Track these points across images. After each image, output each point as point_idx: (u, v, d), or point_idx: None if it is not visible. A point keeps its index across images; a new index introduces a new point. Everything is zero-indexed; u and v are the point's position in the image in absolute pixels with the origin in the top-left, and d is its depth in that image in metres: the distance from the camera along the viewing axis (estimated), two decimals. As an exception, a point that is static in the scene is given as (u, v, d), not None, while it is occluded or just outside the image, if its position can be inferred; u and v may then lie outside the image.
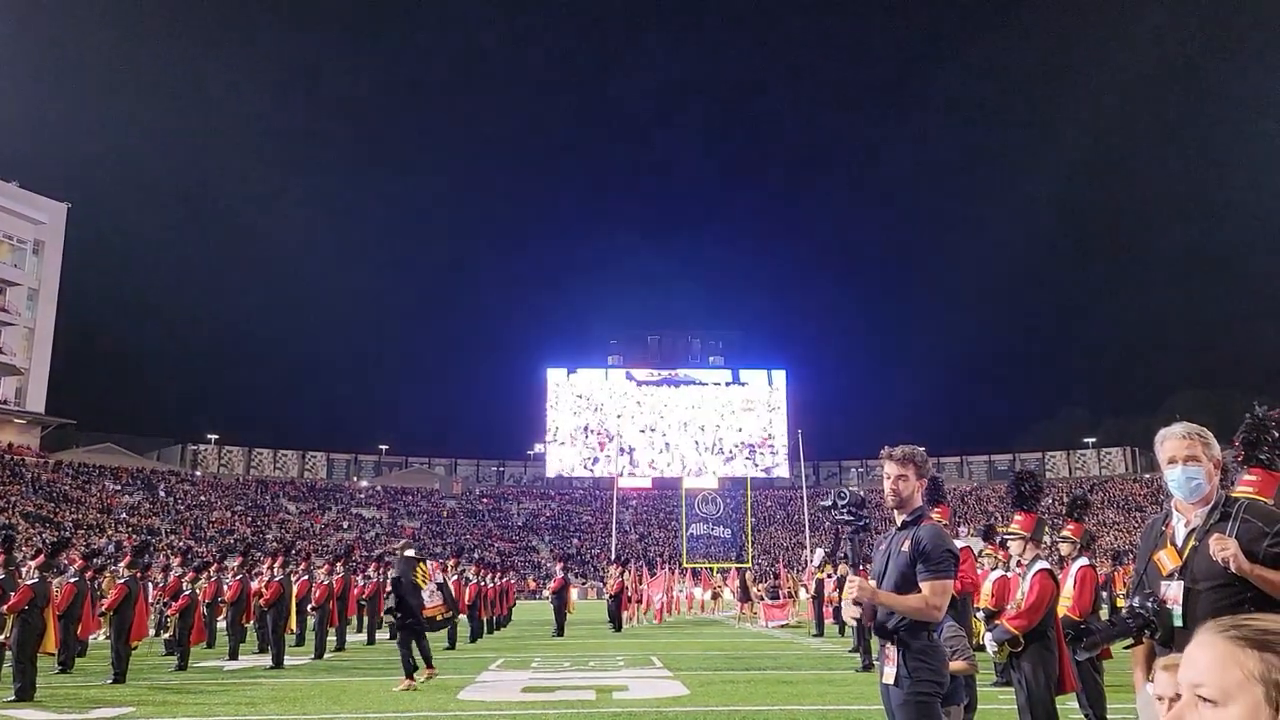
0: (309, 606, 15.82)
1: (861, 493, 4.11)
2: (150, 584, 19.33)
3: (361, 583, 20.48)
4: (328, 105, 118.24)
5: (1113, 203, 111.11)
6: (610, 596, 22.91)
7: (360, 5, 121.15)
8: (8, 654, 10.37)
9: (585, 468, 69.44)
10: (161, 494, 54.00)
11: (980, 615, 7.92)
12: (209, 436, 65.72)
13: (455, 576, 17.85)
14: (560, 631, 20.25)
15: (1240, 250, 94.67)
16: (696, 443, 69.01)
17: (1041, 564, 6.02)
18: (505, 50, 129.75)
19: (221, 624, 17.03)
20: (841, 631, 18.42)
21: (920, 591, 3.68)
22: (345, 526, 58.93)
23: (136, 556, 13.47)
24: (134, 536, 40.88)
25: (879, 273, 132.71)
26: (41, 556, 11.46)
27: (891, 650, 3.73)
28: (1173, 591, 3.00)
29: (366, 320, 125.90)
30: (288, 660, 13.90)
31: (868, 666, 11.59)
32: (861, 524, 3.98)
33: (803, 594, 26.53)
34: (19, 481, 46.48)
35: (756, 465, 68.37)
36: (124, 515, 48.92)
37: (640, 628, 23.48)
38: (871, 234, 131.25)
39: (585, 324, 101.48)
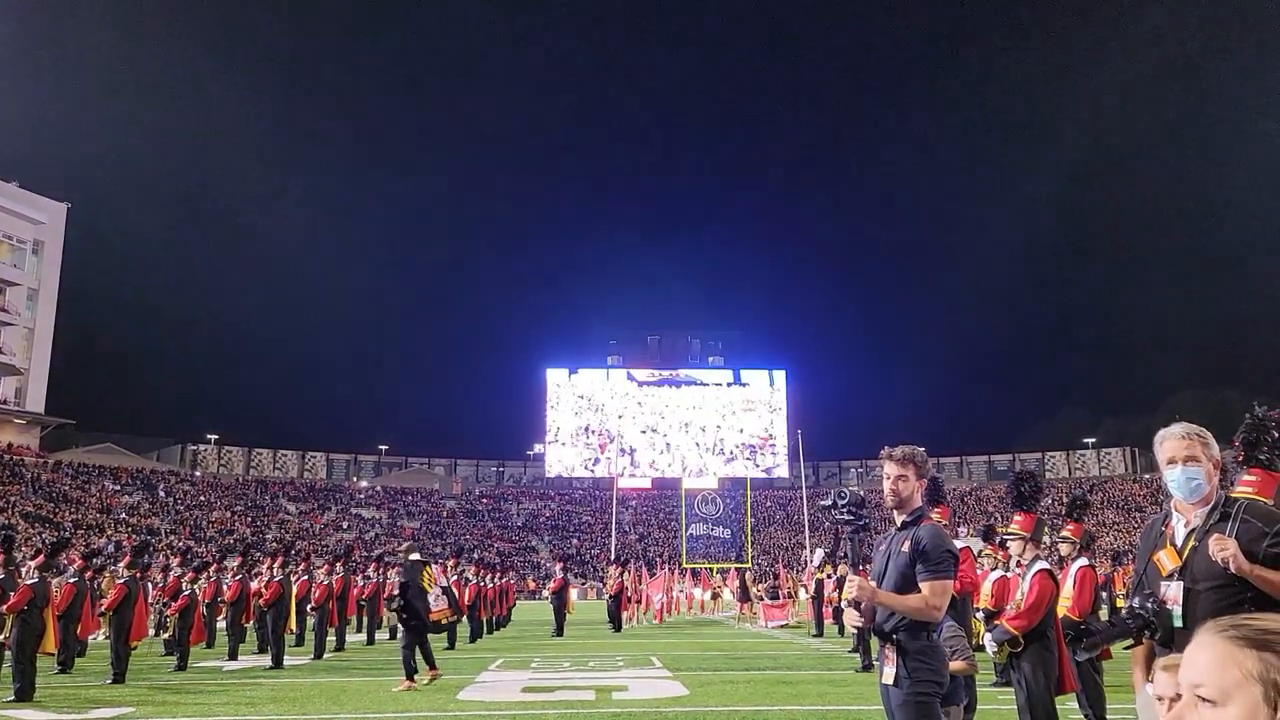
0: (309, 607, 15.81)
1: (861, 493, 4.11)
2: (150, 584, 19.32)
3: (361, 583, 20.48)
4: (328, 105, 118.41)
5: (1113, 203, 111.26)
6: (610, 597, 22.91)
7: (360, 5, 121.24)
8: (7, 654, 10.37)
9: (586, 468, 69.43)
10: (161, 494, 53.99)
11: (980, 615, 7.93)
12: (209, 436, 65.75)
13: (455, 577, 17.85)
14: (560, 632, 20.25)
15: (1240, 250, 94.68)
16: (697, 444, 68.98)
17: (1041, 564, 6.02)
18: (505, 50, 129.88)
19: (221, 624, 17.04)
20: (841, 632, 18.42)
21: (920, 592, 3.68)
22: (345, 527, 58.93)
23: (136, 557, 13.46)
24: (134, 537, 40.87)
25: (879, 273, 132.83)
26: (41, 556, 11.46)
27: (891, 651, 3.73)
28: (1172, 592, 3.00)
29: (366, 320, 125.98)
30: (287, 660, 13.90)
31: (867, 667, 11.60)
32: (861, 524, 3.98)
33: (802, 594, 26.54)
34: (19, 481, 46.48)
35: (758, 465, 68.37)
36: (124, 515, 48.91)
37: (640, 628, 23.48)
38: (871, 234, 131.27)
39: (585, 324, 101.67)
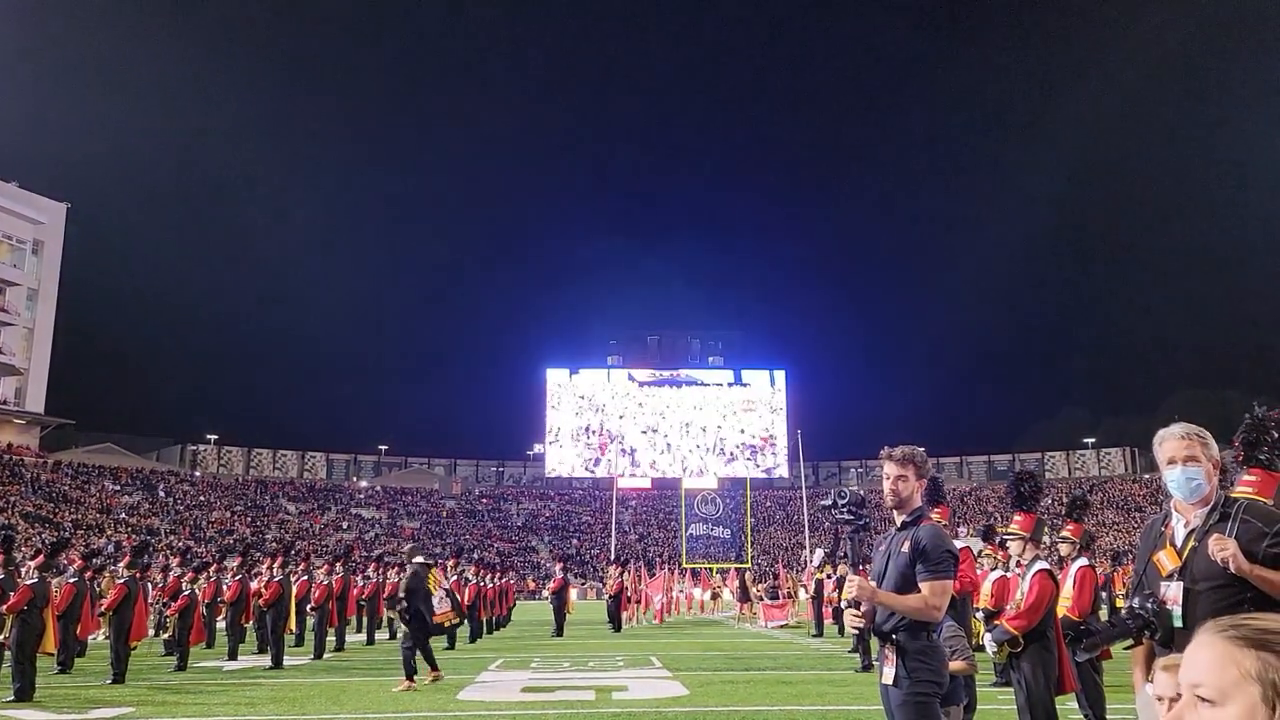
0: (308, 607, 15.81)
1: (861, 492, 4.11)
2: (150, 584, 19.32)
3: (361, 583, 20.47)
4: (328, 106, 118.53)
5: (1113, 203, 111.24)
6: (610, 597, 22.91)
7: (361, 6, 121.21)
8: (7, 654, 10.37)
9: (586, 469, 69.42)
10: (161, 494, 53.99)
11: (980, 615, 7.93)
12: (208, 436, 65.77)
13: (455, 577, 17.86)
14: (560, 632, 20.25)
15: (1240, 250, 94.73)
16: (698, 445, 68.99)
17: (1041, 564, 6.02)
18: (505, 50, 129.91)
19: (221, 624, 17.03)
20: (841, 632, 18.42)
21: (920, 592, 3.68)
22: (345, 527, 58.93)
23: (136, 557, 13.46)
24: (133, 537, 40.87)
25: (879, 273, 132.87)
26: (41, 557, 11.46)
27: (891, 651, 3.73)
28: (1172, 592, 3.00)
29: (366, 320, 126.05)
30: (287, 660, 13.90)
31: (867, 667, 11.61)
32: (861, 524, 3.98)
33: (802, 594, 26.54)
34: (18, 481, 46.48)
35: (758, 466, 68.37)
36: (123, 515, 48.91)
37: (640, 628, 23.48)
38: (871, 234, 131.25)
39: (585, 324, 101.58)
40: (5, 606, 10.05)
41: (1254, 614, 1.31)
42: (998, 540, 9.17)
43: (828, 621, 19.92)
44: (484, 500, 68.90)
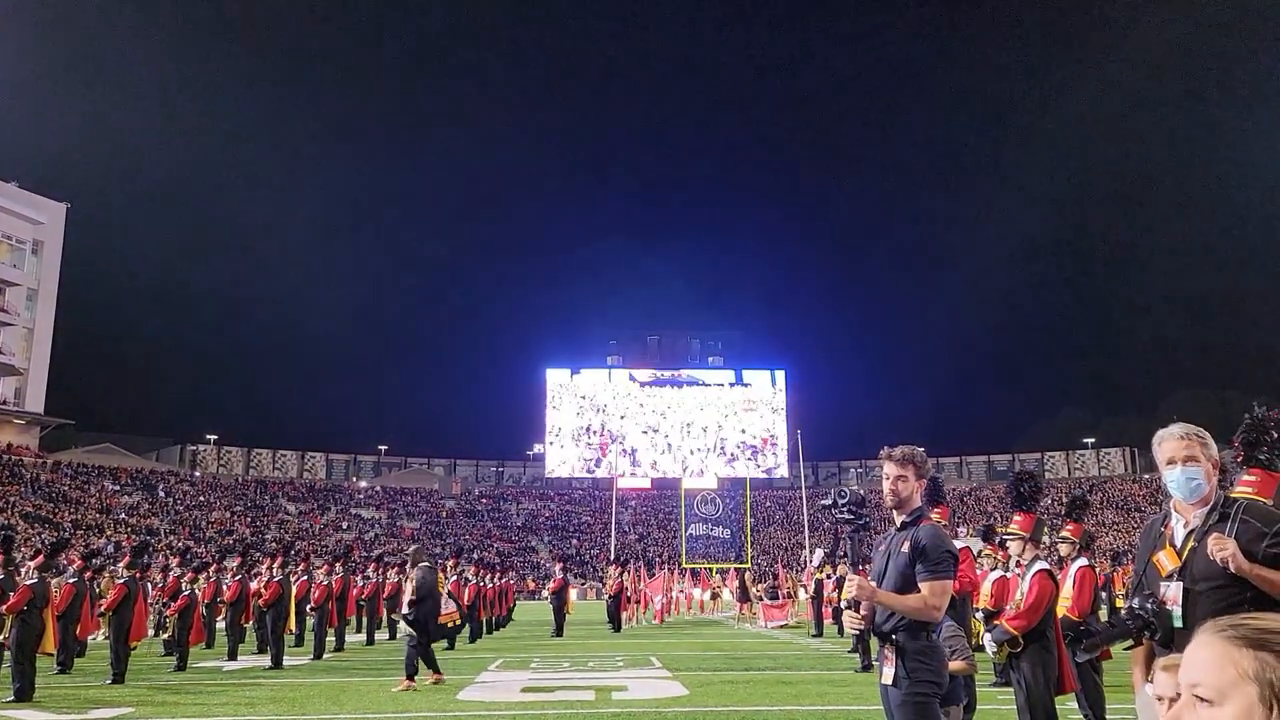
0: (308, 607, 15.81)
1: (861, 492, 4.11)
2: (149, 584, 19.32)
3: (361, 583, 20.46)
4: (329, 107, 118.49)
5: (1113, 203, 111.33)
6: (609, 597, 22.91)
7: (361, 5, 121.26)
8: (7, 654, 10.37)
9: (586, 469, 69.41)
10: (160, 494, 53.98)
11: (979, 615, 7.93)
12: (208, 437, 65.76)
13: (455, 577, 17.87)
14: (559, 632, 20.25)
15: (1240, 250, 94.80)
16: (699, 445, 68.98)
17: (1041, 564, 6.02)
18: (505, 50, 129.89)
19: (221, 624, 17.03)
20: (841, 632, 18.42)
21: (919, 592, 3.69)
22: (344, 527, 58.92)
23: (135, 557, 13.46)
24: (133, 537, 40.88)
25: (879, 273, 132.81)
26: (41, 557, 11.45)
27: (890, 651, 3.73)
28: (1172, 592, 3.00)
29: (366, 320, 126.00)
30: (287, 661, 13.90)
31: (867, 667, 11.61)
32: (861, 523, 3.98)
33: (802, 594, 26.53)
34: (18, 482, 46.48)
35: (759, 466, 68.37)
36: (123, 515, 48.90)
37: (640, 628, 23.47)
38: (871, 234, 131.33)
39: (585, 324, 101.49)
40: (5, 607, 10.05)
41: (1253, 614, 1.31)
42: (997, 540, 9.17)
43: (827, 621, 19.92)
44: (484, 500, 68.89)
